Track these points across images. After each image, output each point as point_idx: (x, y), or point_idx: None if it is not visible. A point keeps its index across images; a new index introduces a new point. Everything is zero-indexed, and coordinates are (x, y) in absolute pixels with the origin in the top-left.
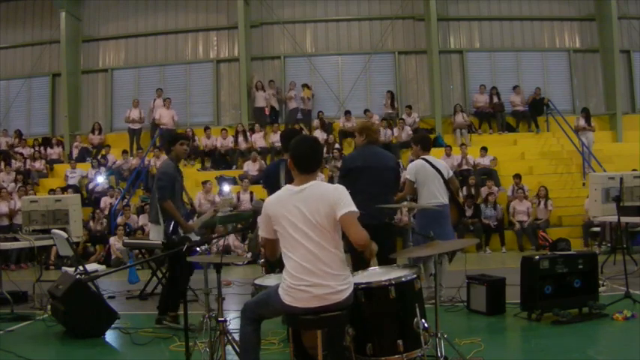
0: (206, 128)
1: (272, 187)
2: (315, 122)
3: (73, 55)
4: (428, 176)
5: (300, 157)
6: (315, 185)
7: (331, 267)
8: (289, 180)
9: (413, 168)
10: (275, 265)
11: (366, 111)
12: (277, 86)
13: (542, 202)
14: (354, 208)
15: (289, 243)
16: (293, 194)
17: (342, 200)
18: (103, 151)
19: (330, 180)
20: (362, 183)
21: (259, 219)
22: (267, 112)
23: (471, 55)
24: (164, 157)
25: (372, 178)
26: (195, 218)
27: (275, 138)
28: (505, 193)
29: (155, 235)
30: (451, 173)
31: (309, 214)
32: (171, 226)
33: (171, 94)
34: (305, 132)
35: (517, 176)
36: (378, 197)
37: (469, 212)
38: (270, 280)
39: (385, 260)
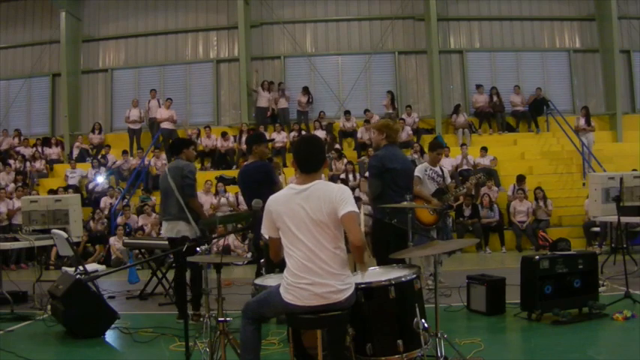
0: (206, 127)
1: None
2: (316, 122)
3: (73, 55)
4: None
5: (302, 157)
6: (319, 184)
7: (332, 266)
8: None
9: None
10: (275, 265)
11: (366, 111)
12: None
13: (542, 203)
14: (355, 208)
15: (291, 241)
16: (296, 193)
17: (344, 200)
18: (103, 151)
19: (333, 179)
20: (397, 184)
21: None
22: (269, 114)
23: (471, 55)
24: (164, 156)
25: (405, 179)
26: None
27: (278, 138)
28: (505, 193)
29: (176, 231)
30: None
31: (311, 213)
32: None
33: (171, 94)
34: (278, 134)
35: (521, 178)
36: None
37: (467, 212)
38: (270, 280)
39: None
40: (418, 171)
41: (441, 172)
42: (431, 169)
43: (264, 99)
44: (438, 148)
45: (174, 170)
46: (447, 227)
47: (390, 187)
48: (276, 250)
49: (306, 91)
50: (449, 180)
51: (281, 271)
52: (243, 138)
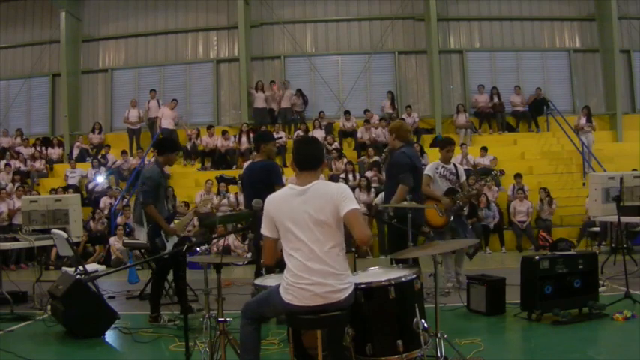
0: (209, 127)
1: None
2: (316, 122)
3: (73, 55)
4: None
5: (301, 156)
6: (319, 184)
7: (332, 266)
8: None
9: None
10: (275, 265)
11: (366, 111)
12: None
13: (547, 203)
14: (357, 205)
15: (291, 241)
16: (297, 193)
17: (346, 198)
18: (103, 151)
19: (333, 179)
20: (419, 182)
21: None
22: (275, 113)
23: (471, 55)
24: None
25: (421, 179)
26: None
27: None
28: (505, 193)
29: (139, 235)
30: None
31: (313, 213)
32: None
33: (171, 94)
34: (277, 134)
35: (518, 176)
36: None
37: (466, 211)
38: (270, 280)
39: None
40: (429, 170)
41: (454, 170)
42: (443, 167)
43: (259, 99)
44: (448, 145)
45: (141, 176)
46: (466, 227)
47: (414, 184)
48: (269, 253)
49: (299, 92)
50: (464, 178)
51: (281, 271)
52: (243, 139)
